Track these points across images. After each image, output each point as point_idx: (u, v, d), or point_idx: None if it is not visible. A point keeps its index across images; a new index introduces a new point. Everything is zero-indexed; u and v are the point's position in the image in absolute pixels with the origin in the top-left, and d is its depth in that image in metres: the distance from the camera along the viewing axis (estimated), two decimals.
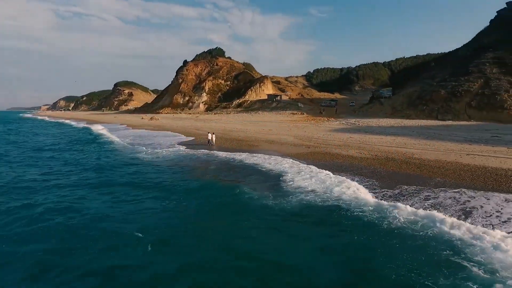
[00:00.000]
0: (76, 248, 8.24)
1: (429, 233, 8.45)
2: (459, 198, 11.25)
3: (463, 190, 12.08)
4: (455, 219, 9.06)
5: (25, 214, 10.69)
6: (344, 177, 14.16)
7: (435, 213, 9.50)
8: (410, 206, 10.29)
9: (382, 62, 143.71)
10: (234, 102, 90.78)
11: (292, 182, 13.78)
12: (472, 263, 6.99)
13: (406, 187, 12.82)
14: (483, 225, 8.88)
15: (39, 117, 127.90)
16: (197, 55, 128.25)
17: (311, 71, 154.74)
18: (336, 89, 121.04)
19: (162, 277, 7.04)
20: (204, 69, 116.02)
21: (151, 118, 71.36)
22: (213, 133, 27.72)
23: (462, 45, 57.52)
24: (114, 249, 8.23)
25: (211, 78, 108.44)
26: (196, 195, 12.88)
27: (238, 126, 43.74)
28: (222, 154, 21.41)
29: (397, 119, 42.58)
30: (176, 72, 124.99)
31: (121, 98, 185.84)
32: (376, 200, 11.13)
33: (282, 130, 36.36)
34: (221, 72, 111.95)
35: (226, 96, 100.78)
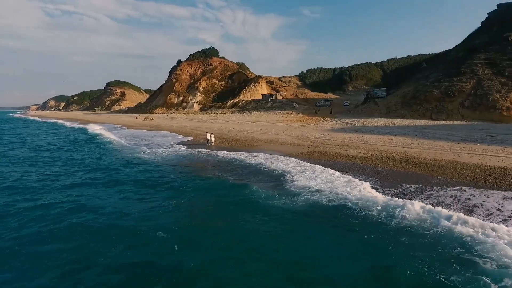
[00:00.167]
0: (100, 246, 8.41)
1: (439, 230, 8.66)
2: (462, 196, 11.50)
3: (464, 188, 12.36)
4: (462, 215, 9.31)
5: (42, 214, 10.76)
6: (350, 176, 14.35)
7: (442, 210, 9.72)
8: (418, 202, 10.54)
9: (374, 62, 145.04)
10: (228, 102, 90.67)
11: (297, 181, 13.92)
12: (483, 259, 7.19)
13: (407, 186, 13.06)
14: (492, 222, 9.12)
15: (30, 117, 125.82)
16: (191, 54, 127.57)
17: (304, 71, 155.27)
18: (329, 89, 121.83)
19: (189, 272, 7.26)
20: (198, 69, 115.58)
21: (146, 118, 70.91)
22: (212, 133, 27.73)
23: (452, 46, 58.67)
24: (137, 246, 8.43)
25: (205, 78, 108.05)
26: (205, 194, 13.05)
27: (235, 126, 43.76)
28: (223, 154, 21.47)
29: (392, 119, 43.13)
30: (170, 72, 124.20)
31: (113, 98, 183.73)
32: (384, 198, 11.32)
33: (280, 130, 36.52)
34: (215, 72, 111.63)
35: (220, 96, 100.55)
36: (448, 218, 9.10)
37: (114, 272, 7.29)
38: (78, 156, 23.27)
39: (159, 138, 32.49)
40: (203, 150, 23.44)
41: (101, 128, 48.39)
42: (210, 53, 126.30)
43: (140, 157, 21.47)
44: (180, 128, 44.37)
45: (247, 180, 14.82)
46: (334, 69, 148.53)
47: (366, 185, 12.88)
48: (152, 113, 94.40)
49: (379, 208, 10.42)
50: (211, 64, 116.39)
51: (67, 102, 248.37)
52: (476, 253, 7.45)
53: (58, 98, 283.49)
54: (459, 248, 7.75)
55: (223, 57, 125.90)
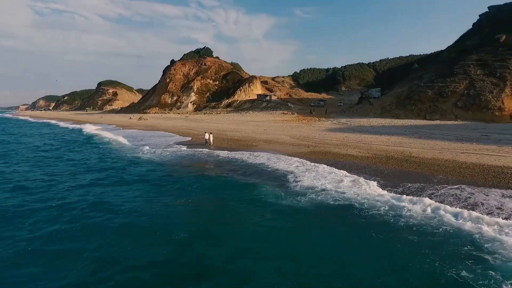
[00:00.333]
0: (120, 245, 8.53)
1: (447, 228, 8.85)
2: (462, 194, 11.69)
3: (464, 186, 12.60)
4: (472, 212, 9.56)
5: (58, 214, 10.79)
6: (355, 175, 14.55)
7: (451, 207, 9.95)
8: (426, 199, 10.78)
9: (367, 63, 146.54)
10: (223, 102, 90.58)
11: (303, 181, 14.01)
12: (493, 255, 7.40)
13: (409, 184, 13.26)
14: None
15: (21, 117, 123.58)
16: (184, 54, 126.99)
17: (298, 71, 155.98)
18: (323, 89, 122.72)
19: (213, 268, 7.48)
20: (192, 69, 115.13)
21: (140, 118, 70.37)
22: (211, 133, 27.72)
23: (443, 47, 59.89)
24: (157, 244, 8.56)
25: (199, 77, 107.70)
26: (213, 193, 13.19)
27: (232, 126, 43.76)
28: (224, 154, 21.49)
29: (387, 118, 43.69)
30: (163, 72, 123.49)
31: (105, 97, 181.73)
32: (392, 196, 11.53)
33: (277, 130, 36.67)
34: (209, 72, 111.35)
35: (214, 96, 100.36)
36: (456, 215, 9.32)
37: (139, 269, 7.41)
38: (79, 156, 23.08)
39: (157, 139, 32.31)
40: (204, 150, 23.44)
41: (97, 128, 47.87)
42: (204, 53, 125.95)
43: (142, 157, 21.41)
44: (176, 128, 44.19)
45: (252, 179, 14.91)
46: (327, 69, 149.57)
47: (373, 183, 13.08)
48: (146, 113, 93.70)
49: (387, 206, 10.56)
50: (205, 64, 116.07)
51: (57, 102, 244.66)
52: (486, 250, 7.64)
53: (48, 98, 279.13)
54: (468, 245, 7.93)
55: (217, 57, 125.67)
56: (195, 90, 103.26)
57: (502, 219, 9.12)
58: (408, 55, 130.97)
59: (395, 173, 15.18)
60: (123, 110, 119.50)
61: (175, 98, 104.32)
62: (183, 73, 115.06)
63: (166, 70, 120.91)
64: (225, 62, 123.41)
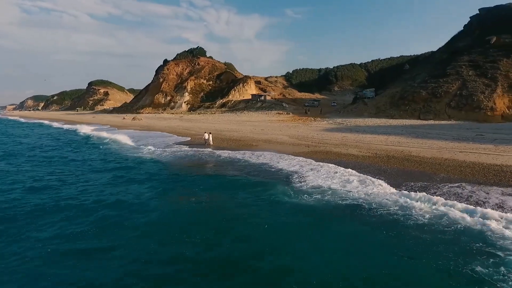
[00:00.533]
0: (148, 242, 8.71)
1: (458, 226, 9.07)
2: (465, 192, 11.97)
3: (464, 184, 12.92)
4: (480, 208, 9.84)
5: (80, 213, 10.91)
6: (361, 174, 14.76)
7: (461, 204, 10.22)
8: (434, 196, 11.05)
9: (359, 63, 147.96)
10: (217, 102, 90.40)
11: (309, 180, 14.15)
12: (505, 252, 7.63)
13: (413, 183, 13.51)
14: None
15: (10, 117, 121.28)
16: (178, 54, 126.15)
17: (290, 72, 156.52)
18: (315, 89, 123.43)
19: (239, 263, 7.76)
20: (186, 69, 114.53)
21: (134, 118, 69.74)
22: (210, 133, 27.74)
23: (433, 48, 60.97)
24: (183, 241, 8.78)
25: (193, 77, 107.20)
26: (224, 192, 13.33)
27: (228, 126, 43.75)
28: (225, 154, 21.53)
29: (382, 118, 44.28)
30: (156, 72, 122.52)
31: (96, 97, 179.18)
32: (400, 193, 11.76)
33: (275, 130, 36.82)
34: (203, 72, 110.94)
35: (208, 96, 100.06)
36: (466, 211, 9.58)
37: (168, 266, 7.61)
38: (82, 157, 22.96)
39: (156, 139, 32.09)
40: (205, 150, 23.44)
41: (93, 128, 47.32)
42: (197, 52, 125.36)
43: (146, 157, 21.45)
44: (173, 128, 43.95)
45: (260, 179, 15.05)
46: (319, 70, 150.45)
47: (381, 182, 13.29)
48: (139, 113, 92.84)
49: (398, 205, 10.73)
50: (198, 64, 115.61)
51: (46, 101, 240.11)
52: (497, 246, 7.87)
53: (36, 98, 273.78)
54: (479, 241, 8.16)
55: (210, 57, 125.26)
56: (188, 90, 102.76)
57: None
58: (398, 55, 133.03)
59: (398, 172, 15.45)
60: (115, 110, 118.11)
61: (168, 98, 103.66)
62: (177, 72, 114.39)
63: (159, 70, 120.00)
64: (219, 62, 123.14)
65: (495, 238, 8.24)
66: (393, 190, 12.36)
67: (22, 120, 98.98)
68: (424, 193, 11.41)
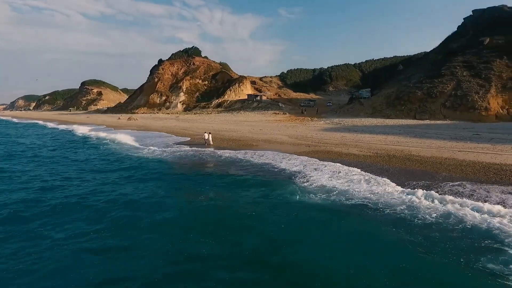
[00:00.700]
0: (165, 240, 8.88)
1: (466, 224, 9.25)
2: (467, 191, 12.17)
3: (465, 183, 13.14)
4: (488, 205, 10.09)
5: (94, 212, 10.98)
6: (366, 173, 14.95)
7: (468, 200, 10.45)
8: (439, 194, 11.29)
9: (353, 63, 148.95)
10: (213, 102, 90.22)
11: (315, 179, 14.28)
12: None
13: (414, 182, 13.68)
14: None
15: (2, 117, 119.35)
16: (172, 54, 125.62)
17: (285, 72, 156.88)
18: (310, 89, 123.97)
19: (259, 257, 8.02)
20: (181, 68, 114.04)
21: (129, 118, 69.27)
22: (210, 133, 27.77)
23: (426, 48, 61.88)
24: (199, 238, 8.94)
25: (188, 77, 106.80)
26: (232, 191, 13.39)
27: (226, 126, 43.74)
28: (227, 154, 21.59)
29: (379, 118, 44.73)
30: (151, 71, 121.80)
31: (89, 97, 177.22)
32: (407, 191, 11.97)
33: (273, 130, 36.94)
34: (198, 71, 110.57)
35: (204, 96, 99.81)
36: (474, 209, 9.80)
37: (188, 262, 7.75)
38: (84, 157, 22.85)
39: (155, 139, 31.97)
40: (206, 150, 23.49)
41: (90, 129, 46.87)
42: (192, 52, 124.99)
43: (148, 157, 21.45)
44: (170, 128, 43.78)
45: (265, 178, 15.16)
46: (314, 70, 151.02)
47: (387, 181, 13.48)
48: (134, 113, 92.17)
49: (406, 204, 10.88)
50: (193, 64, 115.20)
51: (38, 101, 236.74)
52: (506, 243, 8.06)
53: (28, 98, 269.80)
54: (488, 238, 8.36)
55: (205, 57, 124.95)
56: (184, 90, 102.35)
57: None
58: (392, 56, 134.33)
59: (401, 171, 15.66)
60: (109, 110, 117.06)
61: (164, 98, 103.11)
62: (172, 72, 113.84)
63: (154, 70, 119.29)
64: (214, 62, 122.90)
65: (503, 235, 8.44)
66: (399, 188, 12.55)
67: (15, 120, 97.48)
68: (432, 191, 11.62)
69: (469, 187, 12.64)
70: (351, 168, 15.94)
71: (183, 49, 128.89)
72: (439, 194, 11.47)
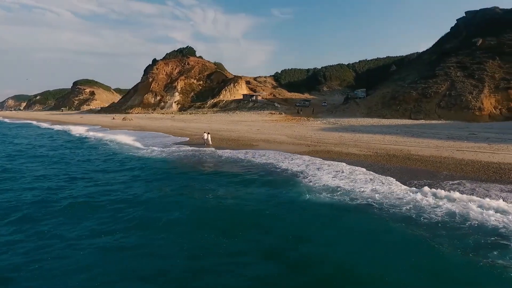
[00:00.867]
0: (179, 237, 9.00)
1: (473, 223, 9.46)
2: (467, 190, 12.38)
3: (464, 181, 13.41)
4: (490, 201, 10.33)
5: (106, 211, 11.05)
6: (370, 172, 15.12)
7: (473, 197, 10.67)
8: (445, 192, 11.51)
9: (346, 64, 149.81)
10: (208, 102, 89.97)
11: (319, 178, 14.40)
12: None
13: (416, 181, 13.91)
14: None
15: None
16: (167, 53, 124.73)
17: (279, 72, 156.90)
18: (305, 89, 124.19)
19: (275, 252, 8.24)
20: (175, 68, 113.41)
21: (124, 119, 68.65)
22: (209, 133, 27.75)
23: (418, 49, 62.71)
24: (213, 236, 9.02)
25: (183, 77, 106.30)
26: (238, 191, 13.52)
27: (223, 126, 43.71)
28: (228, 154, 21.62)
29: (374, 118, 45.18)
30: (145, 71, 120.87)
31: (82, 97, 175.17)
32: (412, 190, 12.16)
33: (271, 130, 37.04)
34: (193, 71, 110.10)
35: (199, 96, 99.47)
36: (479, 206, 10.03)
37: (204, 259, 7.83)
38: (85, 157, 22.70)
39: (153, 139, 31.76)
40: (206, 150, 23.47)
41: (86, 129, 46.38)
42: (187, 52, 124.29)
43: (150, 157, 21.43)
44: (167, 128, 43.55)
45: (268, 178, 15.25)
46: (308, 70, 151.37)
47: (391, 179, 13.66)
48: (129, 113, 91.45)
49: (412, 202, 11.05)
50: (188, 64, 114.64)
51: (29, 101, 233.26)
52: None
53: (18, 98, 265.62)
54: (495, 236, 8.55)
55: (200, 57, 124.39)
56: (179, 90, 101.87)
57: None
58: (385, 56, 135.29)
59: (402, 170, 15.87)
60: (103, 110, 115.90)
61: (158, 98, 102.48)
62: (166, 72, 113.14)
63: (148, 70, 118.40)
64: (209, 62, 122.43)
65: (510, 232, 8.66)
66: (403, 187, 12.74)
67: (7, 120, 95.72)
68: (438, 189, 11.83)
69: (467, 185, 12.90)
70: (354, 167, 16.12)
71: (178, 49, 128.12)
72: (445, 191, 11.68)
